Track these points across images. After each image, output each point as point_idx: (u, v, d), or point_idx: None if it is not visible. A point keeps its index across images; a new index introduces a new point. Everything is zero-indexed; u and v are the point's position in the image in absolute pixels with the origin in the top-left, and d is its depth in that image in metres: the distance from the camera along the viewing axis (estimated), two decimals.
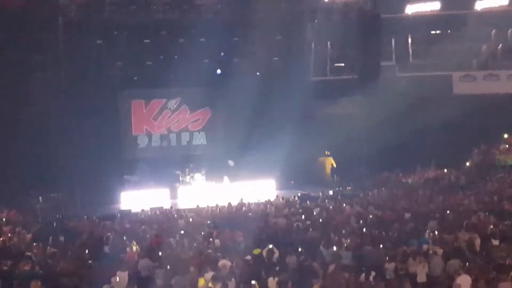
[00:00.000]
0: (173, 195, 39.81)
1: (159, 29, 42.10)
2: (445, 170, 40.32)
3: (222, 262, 22.61)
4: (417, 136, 41.00)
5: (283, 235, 27.20)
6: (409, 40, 47.17)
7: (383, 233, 26.74)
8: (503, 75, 44.46)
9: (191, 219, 30.68)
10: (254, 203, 35.06)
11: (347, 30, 44.47)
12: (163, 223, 30.13)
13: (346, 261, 23.50)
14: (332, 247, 24.43)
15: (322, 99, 43.46)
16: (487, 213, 29.63)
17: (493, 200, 32.46)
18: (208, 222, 29.82)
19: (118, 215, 34.10)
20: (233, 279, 21.00)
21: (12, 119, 38.70)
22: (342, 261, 23.42)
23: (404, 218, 29.99)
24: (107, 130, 41.28)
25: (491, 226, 26.63)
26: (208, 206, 34.25)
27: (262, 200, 35.90)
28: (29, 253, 24.61)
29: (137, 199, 38.03)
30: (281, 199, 35.95)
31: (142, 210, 33.99)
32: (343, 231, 26.96)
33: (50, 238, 27.29)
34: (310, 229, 27.43)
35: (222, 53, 43.66)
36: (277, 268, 22.38)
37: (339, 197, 36.91)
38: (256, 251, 24.29)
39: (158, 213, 33.47)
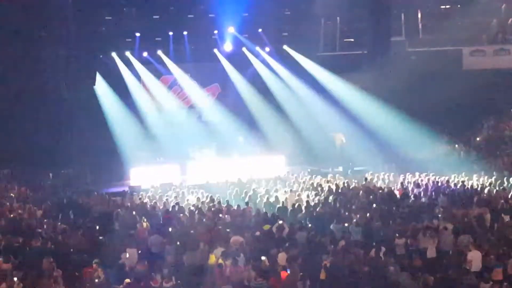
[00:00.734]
0: (183, 171, 39.72)
1: (168, 5, 41.94)
2: (455, 145, 40.13)
3: (234, 238, 22.60)
4: (427, 111, 40.73)
5: (293, 211, 27.14)
6: (419, 15, 46.75)
7: (393, 208, 26.67)
8: None
9: (201, 195, 30.62)
10: (264, 179, 34.99)
11: (356, 5, 44.28)
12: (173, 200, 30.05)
13: (356, 237, 23.49)
14: (342, 223, 24.39)
15: (332, 74, 43.23)
16: (497, 189, 29.56)
17: (503, 175, 32.34)
18: (218, 198, 29.71)
19: (128, 191, 34.08)
20: (242, 255, 20.99)
21: (22, 96, 38.66)
22: (352, 236, 23.41)
23: (414, 193, 29.97)
24: (116, 107, 41.22)
25: (502, 202, 26.51)
26: (218, 182, 34.22)
27: (272, 176, 35.83)
28: (39, 230, 24.65)
29: (147, 175, 37.96)
30: (291, 175, 35.87)
31: (152, 187, 33.92)
32: (353, 207, 26.93)
33: (61, 215, 27.29)
34: (320, 205, 27.37)
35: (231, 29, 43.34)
36: (287, 244, 22.37)
37: (349, 172, 36.81)
38: (266, 227, 24.28)
39: (168, 189, 33.37)
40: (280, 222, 24.12)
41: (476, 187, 30.38)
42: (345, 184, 32.31)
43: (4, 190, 32.71)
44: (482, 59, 44.02)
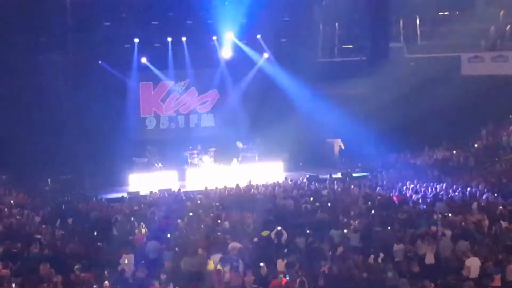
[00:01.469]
0: (182, 177, 39.71)
1: (167, 11, 41.99)
2: (454, 151, 40.14)
3: (231, 244, 22.61)
4: (425, 117, 40.75)
5: (291, 217, 27.17)
6: (417, 21, 46.84)
7: (392, 215, 26.68)
8: (511, 56, 44.15)
9: (199, 201, 30.64)
10: (263, 185, 35.01)
11: (355, 11, 44.41)
12: (171, 205, 30.06)
13: (354, 243, 23.51)
14: (341, 229, 24.40)
15: (330, 81, 43.24)
16: (495, 195, 29.57)
17: (502, 181, 32.34)
18: (217, 204, 29.76)
19: (127, 197, 34.10)
20: (240, 261, 21.00)
21: (20, 101, 38.69)
22: (350, 243, 23.42)
23: (413, 199, 30.00)
24: (115, 113, 41.21)
25: (500, 208, 26.52)
26: (216, 188, 34.24)
27: (271, 182, 35.85)
28: (38, 236, 24.67)
29: (145, 181, 37.96)
30: (289, 181, 35.88)
31: (151, 192, 33.93)
32: (352, 213, 26.96)
33: (59, 221, 27.29)
34: (319, 211, 27.41)
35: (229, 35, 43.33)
36: (286, 250, 22.40)
37: (348, 178, 36.83)
38: (265, 233, 24.32)
39: (166, 195, 33.40)
40: (279, 228, 24.12)
41: (474, 193, 30.37)
42: (344, 190, 32.32)
43: (2, 196, 32.72)
44: (481, 66, 43.98)
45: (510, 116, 41.86)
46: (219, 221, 26.49)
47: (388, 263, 20.64)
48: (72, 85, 39.97)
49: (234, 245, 22.65)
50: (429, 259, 21.86)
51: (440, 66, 42.56)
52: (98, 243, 24.34)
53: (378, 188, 32.98)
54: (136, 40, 41.70)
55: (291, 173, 40.23)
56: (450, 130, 40.94)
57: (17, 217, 27.96)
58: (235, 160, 40.97)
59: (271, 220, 26.23)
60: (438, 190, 31.36)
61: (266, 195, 31.69)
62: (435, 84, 41.49)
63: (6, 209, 29.55)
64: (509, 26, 45.16)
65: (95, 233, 25.95)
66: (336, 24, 46.48)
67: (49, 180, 37.38)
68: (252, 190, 33.58)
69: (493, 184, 31.81)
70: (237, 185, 34.20)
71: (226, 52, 43.75)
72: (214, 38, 43.27)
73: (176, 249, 23.10)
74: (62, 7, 39.57)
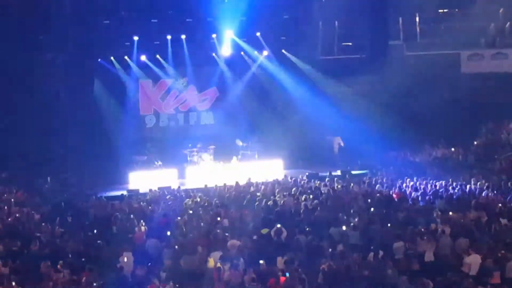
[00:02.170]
0: (181, 175, 39.70)
1: (167, 8, 41.93)
2: (453, 149, 40.17)
3: (230, 242, 22.64)
4: (425, 115, 40.83)
5: (291, 215, 27.18)
6: (417, 19, 46.78)
7: (391, 212, 26.71)
8: (511, 53, 44.15)
9: (199, 199, 30.66)
10: (262, 182, 35.02)
11: (354, 9, 44.30)
12: (171, 203, 30.07)
13: (354, 241, 23.53)
14: (340, 227, 24.43)
15: (329, 78, 43.24)
16: (495, 192, 29.61)
17: (501, 178, 32.36)
18: (216, 201, 29.77)
19: (126, 195, 34.12)
20: (241, 259, 21.03)
21: (20, 100, 38.68)
22: (350, 240, 23.44)
23: (412, 197, 30.02)
24: (115, 111, 41.22)
25: (500, 205, 26.56)
26: (216, 186, 34.26)
27: (270, 179, 35.87)
28: (37, 234, 24.70)
29: (145, 179, 37.95)
30: (289, 179, 35.88)
31: (150, 190, 33.93)
32: (351, 211, 26.96)
33: (58, 219, 27.30)
34: (318, 209, 27.42)
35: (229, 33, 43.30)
36: (285, 247, 22.41)
37: (347, 176, 36.84)
38: (264, 231, 24.34)
39: (166, 193, 33.41)
40: (278, 226, 24.15)
41: (474, 190, 30.40)
42: (343, 188, 32.34)
43: (1, 194, 32.73)
44: (480, 63, 44.04)
45: (511, 114, 41.90)
46: (218, 218, 26.51)
47: (387, 261, 20.67)
48: (71, 83, 39.92)
49: (233, 242, 22.70)
50: (429, 256, 21.88)
51: (440, 64, 42.57)
52: (98, 241, 24.35)
53: (378, 185, 32.98)
54: (136, 38, 41.65)
55: (291, 170, 40.18)
56: (450, 127, 40.99)
57: (17, 215, 27.96)
58: (234, 158, 40.96)
59: (271, 218, 26.24)
60: (437, 187, 31.40)
61: (266, 193, 31.68)
62: (435, 81, 41.55)
63: (5, 207, 29.57)
64: (508, 24, 45.18)
65: (95, 231, 25.96)
66: (336, 22, 46.35)
67: (48, 178, 37.31)
68: (252, 188, 33.58)
69: (492, 181, 31.84)
70: (237, 183, 34.20)
71: (225, 50, 43.68)
72: (214, 36, 43.21)
73: (176, 247, 23.13)
74: (61, 5, 39.53)
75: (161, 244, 23.40)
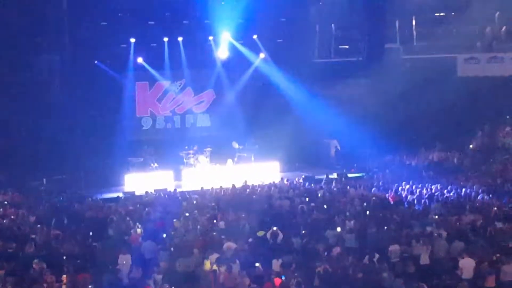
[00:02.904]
0: (177, 177, 39.69)
1: (164, 10, 41.93)
2: (449, 152, 40.21)
3: (226, 244, 22.65)
4: (421, 118, 40.91)
5: (287, 217, 27.20)
6: (414, 22, 46.84)
7: (387, 215, 26.73)
8: (507, 57, 44.15)
9: (195, 201, 30.66)
10: (258, 185, 35.05)
11: (351, 11, 44.33)
12: (167, 205, 30.06)
13: (349, 244, 23.56)
14: (336, 230, 24.46)
15: (326, 81, 43.24)
16: (490, 196, 29.67)
17: (497, 182, 32.41)
18: (212, 204, 29.78)
19: (122, 197, 34.12)
20: (237, 261, 21.05)
21: (16, 101, 38.60)
22: (346, 243, 23.48)
23: (408, 200, 30.06)
24: (111, 112, 41.18)
25: (495, 209, 26.62)
26: (212, 188, 34.26)
27: (266, 182, 35.90)
28: (33, 236, 24.69)
29: (141, 181, 37.94)
30: (285, 181, 35.91)
31: (146, 192, 33.93)
32: (347, 214, 26.99)
33: (54, 221, 27.28)
34: (314, 212, 27.45)
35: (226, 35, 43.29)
36: (281, 250, 22.43)
37: (343, 179, 36.86)
38: (260, 233, 24.37)
39: (162, 195, 33.41)
40: (274, 228, 24.18)
41: (469, 194, 30.45)
42: (340, 191, 32.38)
43: None
44: (477, 67, 44.06)
45: (508, 117, 41.98)
46: (214, 221, 26.58)
47: (383, 264, 20.72)
48: (68, 85, 39.90)
49: (229, 245, 22.70)
50: (424, 259, 21.94)
51: (436, 67, 42.57)
52: (94, 243, 24.38)
53: (374, 188, 33.07)
54: (133, 40, 41.63)
55: (287, 173, 40.25)
56: (446, 131, 41.07)
57: (12, 217, 27.96)
58: (230, 160, 40.96)
59: (267, 220, 26.28)
60: (433, 191, 31.45)
61: (262, 196, 31.71)
62: (431, 85, 41.55)
63: (1, 209, 29.56)
64: (504, 27, 45.24)
65: (91, 233, 25.96)
66: (333, 24, 46.44)
67: (44, 180, 37.34)
68: (248, 190, 33.60)
69: (488, 185, 31.91)
70: (233, 185, 34.23)
71: (222, 52, 43.68)
72: (211, 38, 43.21)
73: (172, 249, 23.16)
74: (58, 6, 39.52)
75: (157, 247, 23.40)
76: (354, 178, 37.81)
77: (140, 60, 42.11)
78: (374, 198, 30.01)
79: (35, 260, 20.92)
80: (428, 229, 24.13)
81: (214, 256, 21.58)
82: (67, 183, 37.58)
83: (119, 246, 23.40)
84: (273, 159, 40.97)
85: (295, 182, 35.90)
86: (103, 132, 40.11)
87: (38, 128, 38.60)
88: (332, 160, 43.08)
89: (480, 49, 44.97)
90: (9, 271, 20.82)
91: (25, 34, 38.45)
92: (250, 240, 23.84)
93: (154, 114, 44.18)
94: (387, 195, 31.38)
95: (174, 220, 26.79)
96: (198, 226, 25.80)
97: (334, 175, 38.26)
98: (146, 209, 29.10)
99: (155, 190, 34.47)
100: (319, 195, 31.40)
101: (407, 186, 32.48)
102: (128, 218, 27.17)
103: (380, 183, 34.31)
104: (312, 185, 35.04)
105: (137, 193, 35.02)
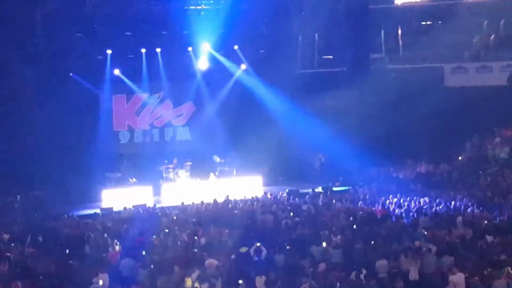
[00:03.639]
0: (157, 193, 39.57)
1: (141, 21, 41.87)
2: (437, 164, 40.26)
3: (208, 261, 22.56)
4: (408, 129, 40.93)
5: (270, 233, 27.12)
6: (399, 31, 47.04)
7: (374, 229, 26.70)
8: (495, 67, 44.38)
9: (175, 217, 30.56)
10: (241, 199, 34.98)
11: (335, 21, 44.36)
12: (146, 222, 29.94)
13: (336, 259, 23.51)
14: (322, 245, 24.40)
15: (310, 92, 43.23)
16: (480, 208, 29.71)
17: (487, 195, 32.46)
18: (193, 220, 29.68)
19: (100, 213, 33.95)
20: (219, 279, 20.96)
21: None
22: (332, 259, 23.42)
23: (396, 214, 30.06)
24: (87, 126, 41.02)
25: (485, 222, 26.66)
26: (193, 203, 34.17)
27: (249, 196, 35.82)
28: (7, 254, 24.49)
29: (119, 197, 37.78)
30: (268, 196, 35.85)
31: (125, 208, 33.78)
32: (333, 228, 26.94)
33: (29, 238, 27.08)
34: (299, 227, 27.40)
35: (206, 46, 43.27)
36: (265, 266, 22.35)
37: (329, 193, 36.84)
38: (243, 250, 24.27)
39: (141, 211, 33.29)
40: (258, 244, 24.09)
41: (458, 207, 30.49)
42: (325, 205, 32.35)
43: None
44: (464, 77, 44.30)
45: (496, 128, 42.10)
46: (195, 237, 26.43)
47: (371, 280, 20.67)
48: (42, 97, 39.65)
49: (211, 262, 22.60)
50: (413, 275, 21.89)
51: (423, 77, 42.83)
52: (70, 261, 24.20)
53: (360, 202, 33.07)
54: (109, 52, 41.58)
55: (270, 187, 40.25)
56: (434, 142, 41.13)
57: None
58: (212, 174, 40.88)
59: (250, 236, 26.17)
60: (421, 204, 31.48)
61: (245, 210, 31.64)
62: (417, 95, 41.66)
63: None
64: (493, 36, 45.51)
65: (67, 251, 25.79)
66: (316, 34, 46.56)
67: (18, 196, 37.11)
68: (230, 205, 33.52)
69: (478, 197, 31.95)
70: (215, 200, 34.14)
71: (202, 64, 43.72)
72: (190, 49, 43.26)
73: (152, 267, 23.02)
74: (32, 17, 39.36)
75: (136, 264, 23.26)
76: (339, 191, 37.79)
77: (117, 72, 42.07)
78: (360, 212, 30.01)
79: (13, 282, 20.71)
80: (417, 243, 24.11)
81: (196, 273, 21.46)
82: (43, 199, 37.36)
83: (97, 264, 23.30)
84: (256, 172, 40.96)
85: (278, 197, 35.82)
86: (79, 146, 39.97)
87: (11, 142, 38.38)
88: (316, 173, 43.01)
89: (467, 59, 45.20)
90: None
91: None
92: (232, 256, 23.76)
93: (132, 128, 44.14)
94: (374, 208, 31.39)
95: (154, 236, 26.66)
96: (179, 243, 25.72)
97: (319, 189, 38.24)
98: (125, 225, 28.99)
99: (133, 206, 34.32)
100: (304, 209, 31.31)
101: (395, 199, 32.50)
102: (105, 235, 26.99)
103: (367, 197, 34.34)
104: (297, 199, 34.95)
105: (115, 209, 34.95)
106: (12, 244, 26.10)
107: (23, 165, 38.20)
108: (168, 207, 34.33)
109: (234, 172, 41.35)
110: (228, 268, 22.63)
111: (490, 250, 23.53)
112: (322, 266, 22.18)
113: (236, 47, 43.86)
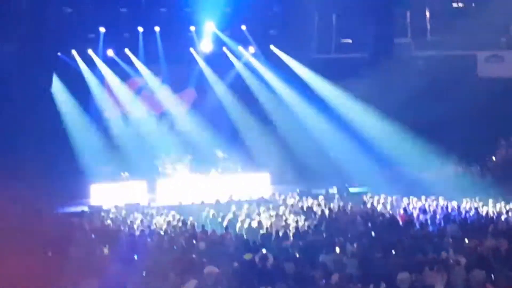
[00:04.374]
0: (151, 189, 39.58)
1: None
2: (468, 165, 40.20)
3: (207, 268, 22.46)
4: (435, 125, 40.83)
5: (278, 239, 27.06)
6: (427, 14, 46.96)
7: (395, 238, 26.60)
8: None
9: (171, 218, 30.53)
10: (246, 200, 34.95)
11: (355, 0, 44.23)
12: (139, 222, 29.96)
13: (351, 270, 23.37)
14: (336, 254, 24.31)
15: (326, 80, 43.17)
16: None
17: None
18: (192, 221, 29.66)
19: (87, 211, 33.96)
20: None
21: None
22: (346, 269, 23.31)
23: (420, 220, 29.97)
24: (76, 113, 41.02)
25: None
26: (192, 203, 34.17)
27: (255, 197, 35.79)
28: None
29: (109, 193, 37.80)
30: (277, 196, 35.82)
31: (116, 207, 33.79)
32: (349, 235, 26.84)
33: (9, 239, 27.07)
34: (310, 232, 27.31)
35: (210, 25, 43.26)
36: (271, 276, 22.26)
37: (345, 194, 36.79)
38: (248, 256, 24.15)
39: (133, 210, 33.31)
40: (264, 251, 24.02)
41: (492, 214, 30.38)
42: (340, 208, 32.28)
43: None
44: (500, 66, 44.19)
45: None
46: (194, 241, 26.39)
47: None
48: (25, 79, 39.59)
49: (211, 269, 22.47)
50: None
51: (453, 66, 42.66)
52: (54, 265, 24.17)
53: (380, 206, 32.97)
54: (102, 30, 41.58)
55: (279, 186, 40.19)
56: (464, 140, 40.96)
57: None
58: (214, 170, 40.83)
59: (255, 241, 26.14)
60: (449, 210, 31.38)
61: (250, 213, 31.63)
62: (446, 86, 41.62)
63: None
64: None
65: (50, 254, 25.76)
66: (334, 15, 46.45)
67: None
68: (234, 206, 33.46)
69: None
70: (217, 200, 34.14)
71: (205, 45, 43.70)
72: (192, 28, 43.24)
73: (144, 273, 22.97)
74: None
75: (127, 270, 23.21)
76: (357, 193, 37.75)
77: (110, 52, 42.16)
78: (380, 217, 29.94)
79: None
80: (444, 254, 23.99)
81: (193, 282, 21.38)
82: (25, 196, 37.35)
83: (83, 268, 23.21)
84: (263, 169, 40.93)
85: (288, 197, 35.82)
86: (66, 135, 39.95)
87: None
88: (331, 171, 42.92)
89: (504, 46, 45.04)
90: None
91: None
92: (235, 264, 23.67)
93: (125, 116, 44.01)
94: (395, 214, 31.30)
95: (147, 239, 26.62)
96: (175, 247, 25.67)
97: (334, 190, 38.19)
98: (115, 226, 28.97)
99: (125, 204, 34.33)
100: (316, 212, 31.28)
101: (419, 204, 32.41)
102: (93, 236, 26.98)
103: (388, 200, 34.22)
104: (308, 200, 34.90)
105: (104, 207, 34.93)
106: None
107: (4, 158, 38.17)
108: (164, 207, 34.39)
109: (239, 168, 41.31)
110: (230, 277, 22.55)
111: None
112: (335, 277, 22.03)
113: (243, 27, 43.77)
